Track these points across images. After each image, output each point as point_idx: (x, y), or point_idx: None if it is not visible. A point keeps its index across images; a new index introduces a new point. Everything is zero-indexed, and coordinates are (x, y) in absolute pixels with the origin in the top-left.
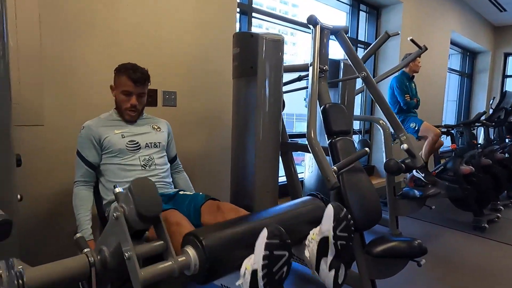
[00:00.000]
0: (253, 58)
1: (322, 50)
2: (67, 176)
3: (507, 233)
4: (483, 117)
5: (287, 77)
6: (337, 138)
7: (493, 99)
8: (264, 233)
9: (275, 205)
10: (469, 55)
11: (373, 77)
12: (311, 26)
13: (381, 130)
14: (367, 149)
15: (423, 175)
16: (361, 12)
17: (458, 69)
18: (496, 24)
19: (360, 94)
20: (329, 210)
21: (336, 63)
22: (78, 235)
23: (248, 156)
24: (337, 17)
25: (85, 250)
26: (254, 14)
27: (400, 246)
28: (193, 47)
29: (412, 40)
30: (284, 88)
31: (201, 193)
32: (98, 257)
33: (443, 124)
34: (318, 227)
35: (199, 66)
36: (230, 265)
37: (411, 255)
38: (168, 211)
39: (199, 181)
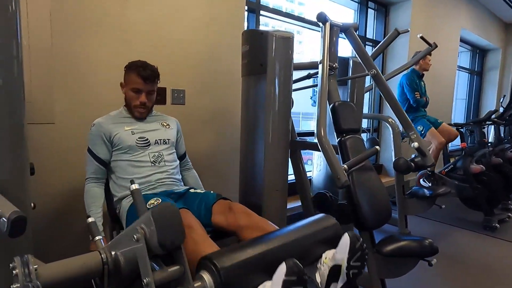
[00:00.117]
0: (263, 55)
1: (331, 48)
2: (78, 174)
3: None
4: (493, 116)
5: (295, 75)
6: (347, 136)
7: (504, 97)
8: (283, 269)
9: (284, 204)
10: (479, 53)
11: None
12: (320, 24)
13: (390, 129)
14: (377, 147)
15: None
16: (369, 10)
17: (468, 67)
18: (507, 21)
19: (368, 92)
20: (345, 239)
21: (345, 60)
22: (90, 219)
23: (257, 154)
24: (345, 15)
25: (97, 237)
26: (261, 12)
27: (411, 245)
28: (201, 45)
29: (422, 38)
30: (293, 86)
31: (212, 192)
32: (112, 255)
33: (452, 123)
34: (331, 252)
35: (208, 64)
36: None
37: (422, 255)
38: (182, 212)
39: (207, 179)
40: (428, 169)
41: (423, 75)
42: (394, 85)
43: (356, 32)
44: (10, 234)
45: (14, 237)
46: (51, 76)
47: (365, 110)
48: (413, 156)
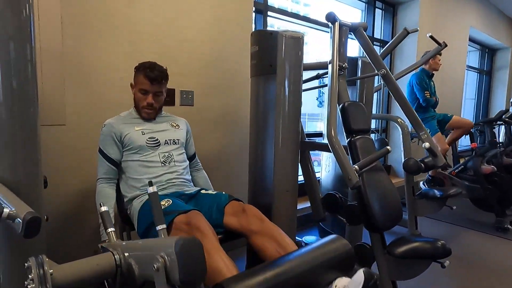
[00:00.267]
0: (272, 56)
1: (340, 48)
2: (89, 175)
3: None
4: (504, 115)
5: (303, 75)
6: (357, 137)
7: None
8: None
9: (294, 205)
10: (488, 52)
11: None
12: (329, 24)
13: (399, 129)
14: (388, 147)
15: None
16: (377, 10)
17: (477, 67)
18: None
19: (376, 92)
20: (359, 276)
21: (354, 60)
22: (103, 208)
23: (267, 155)
24: (352, 15)
25: (109, 229)
26: (269, 13)
27: (423, 246)
28: (210, 46)
29: (431, 37)
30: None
31: (224, 193)
32: (125, 258)
33: None
34: (343, 281)
35: (216, 65)
36: None
37: (435, 256)
38: (191, 214)
39: (216, 180)
40: (429, 172)
41: (433, 75)
42: (403, 85)
43: (365, 31)
44: (25, 234)
45: (29, 238)
46: (62, 78)
47: (374, 110)
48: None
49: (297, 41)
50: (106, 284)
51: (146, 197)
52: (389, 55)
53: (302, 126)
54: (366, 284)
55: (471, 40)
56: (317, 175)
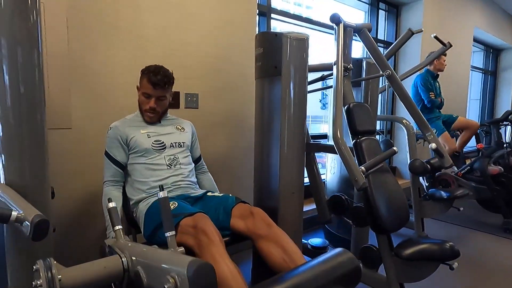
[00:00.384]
0: (277, 57)
1: (345, 49)
2: (95, 178)
3: None
4: (510, 116)
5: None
6: (362, 138)
7: None
8: None
9: (301, 207)
10: (493, 52)
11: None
12: (334, 25)
13: (405, 130)
14: (395, 148)
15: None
16: (380, 11)
17: (481, 67)
18: None
19: (380, 94)
20: None
21: (358, 62)
22: (111, 204)
23: (272, 157)
24: (356, 17)
25: (117, 227)
26: (272, 15)
27: (431, 248)
28: (214, 48)
29: (436, 37)
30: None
31: (230, 195)
32: (132, 262)
33: None
34: None
35: (221, 67)
36: None
37: (443, 258)
38: (197, 217)
39: (222, 182)
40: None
41: (438, 75)
42: (407, 87)
43: (369, 32)
44: (33, 237)
45: (37, 241)
46: (68, 82)
47: (378, 111)
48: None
49: (302, 42)
50: (113, 286)
51: (152, 199)
52: (393, 56)
53: (307, 127)
54: None
55: (476, 40)
56: (322, 177)
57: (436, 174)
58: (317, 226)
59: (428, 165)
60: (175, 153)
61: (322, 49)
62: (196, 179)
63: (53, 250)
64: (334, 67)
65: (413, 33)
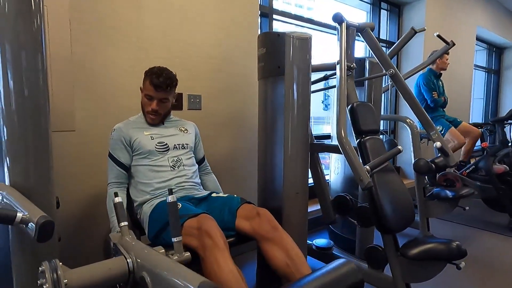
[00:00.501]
0: (280, 57)
1: (348, 48)
2: (99, 180)
3: None
4: None
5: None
6: (366, 138)
7: None
8: None
9: (305, 207)
10: (496, 51)
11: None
12: (337, 24)
13: (409, 129)
14: (400, 147)
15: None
16: (382, 11)
17: (484, 66)
18: None
19: (383, 93)
20: None
21: (361, 61)
22: (117, 199)
23: (276, 158)
24: (357, 17)
25: (122, 223)
26: (274, 16)
27: (437, 247)
28: (216, 50)
29: (439, 36)
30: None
31: (235, 196)
32: (137, 264)
33: (471, 123)
34: None
35: (223, 68)
36: None
37: (450, 258)
38: (202, 218)
39: (225, 183)
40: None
41: (440, 74)
42: (410, 86)
43: (372, 32)
44: (38, 238)
45: (42, 242)
46: (71, 84)
47: (382, 111)
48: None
49: (305, 41)
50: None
51: (156, 201)
52: (395, 56)
53: (310, 127)
54: None
55: (478, 39)
56: (326, 177)
57: (440, 173)
58: (322, 227)
59: (433, 165)
60: (179, 154)
61: (324, 50)
62: (200, 180)
63: (58, 251)
64: (337, 67)
65: (416, 32)
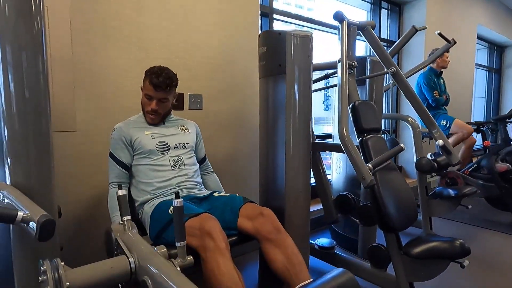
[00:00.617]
0: (281, 56)
1: (349, 47)
2: (100, 180)
3: None
4: None
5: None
6: (368, 136)
7: None
8: None
9: (307, 206)
10: (497, 49)
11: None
12: (337, 23)
13: (410, 128)
14: (402, 145)
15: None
16: (382, 10)
17: (485, 65)
18: None
19: (385, 92)
20: None
21: (362, 60)
22: (120, 192)
23: (278, 157)
24: (358, 17)
25: (125, 217)
26: (275, 16)
27: (441, 246)
28: (217, 49)
29: (440, 34)
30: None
31: (237, 195)
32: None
33: (473, 121)
34: None
35: (224, 68)
36: None
37: (453, 256)
38: (203, 218)
39: (227, 183)
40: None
41: (441, 72)
42: (412, 85)
43: (373, 30)
44: (39, 237)
45: (43, 241)
46: (72, 85)
47: (383, 110)
48: (429, 153)
49: (306, 39)
50: (120, 287)
51: (157, 201)
52: (396, 55)
53: (312, 126)
54: None
55: (479, 37)
56: (328, 177)
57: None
58: (324, 226)
59: (435, 163)
60: (179, 154)
61: (325, 49)
62: (201, 180)
63: (59, 251)
64: (339, 65)
65: (417, 30)
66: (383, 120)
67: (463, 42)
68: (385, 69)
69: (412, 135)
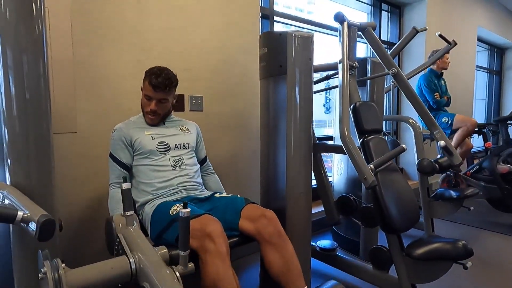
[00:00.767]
0: (282, 56)
1: (350, 47)
2: (101, 181)
3: None
4: None
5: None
6: (369, 137)
7: None
8: None
9: (309, 207)
10: (497, 51)
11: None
12: (338, 24)
13: (412, 130)
14: (404, 145)
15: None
16: (382, 12)
17: (486, 66)
18: None
19: (385, 94)
20: None
21: (363, 61)
22: (125, 185)
23: (279, 158)
24: (358, 19)
25: (128, 213)
26: (275, 18)
27: (443, 247)
28: (218, 51)
29: (440, 35)
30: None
31: (239, 196)
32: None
33: None
34: None
35: (225, 70)
36: None
37: (456, 257)
38: (204, 219)
39: (228, 185)
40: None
41: (442, 73)
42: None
43: (373, 31)
44: (39, 237)
45: (43, 241)
46: (73, 86)
47: (384, 112)
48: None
49: (307, 40)
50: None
51: (158, 201)
52: (397, 56)
53: (313, 128)
54: None
55: (480, 39)
56: (329, 179)
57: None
58: (325, 228)
59: (437, 164)
60: (180, 154)
61: (326, 51)
62: (202, 180)
63: (60, 251)
64: (339, 65)
65: (417, 32)
66: (384, 122)
67: (463, 44)
68: (386, 70)
69: (413, 137)
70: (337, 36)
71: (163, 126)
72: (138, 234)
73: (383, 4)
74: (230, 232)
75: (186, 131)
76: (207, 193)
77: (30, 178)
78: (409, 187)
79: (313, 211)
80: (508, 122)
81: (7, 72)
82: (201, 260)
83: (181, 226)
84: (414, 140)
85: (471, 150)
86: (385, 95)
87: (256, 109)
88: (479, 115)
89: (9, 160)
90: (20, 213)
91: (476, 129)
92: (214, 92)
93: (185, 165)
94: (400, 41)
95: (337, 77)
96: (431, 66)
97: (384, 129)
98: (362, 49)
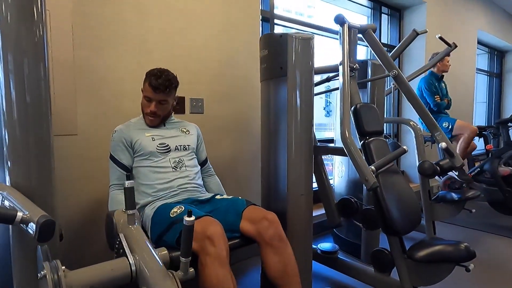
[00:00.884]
0: (283, 58)
1: (350, 49)
2: (101, 183)
3: None
4: None
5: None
6: (370, 139)
7: None
8: None
9: (310, 209)
10: (497, 54)
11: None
12: (338, 26)
13: (412, 132)
14: (405, 147)
15: (457, 173)
16: (383, 15)
17: (486, 69)
18: None
19: (386, 96)
20: None
21: (363, 63)
22: (128, 183)
23: (280, 160)
24: (358, 22)
25: (130, 212)
26: (276, 21)
27: (445, 249)
28: (218, 53)
29: (440, 38)
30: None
31: (240, 197)
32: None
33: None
34: None
35: (225, 72)
36: None
37: (458, 260)
38: (205, 221)
39: (229, 187)
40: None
41: (442, 76)
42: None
43: (374, 33)
44: (38, 238)
45: (43, 242)
46: (74, 88)
47: (384, 114)
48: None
49: (308, 42)
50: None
51: (158, 203)
52: (397, 59)
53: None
54: None
55: (480, 42)
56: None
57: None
58: (327, 231)
59: (438, 167)
60: (180, 155)
61: (326, 54)
62: (202, 182)
63: (60, 252)
64: (340, 67)
65: (418, 34)
66: (385, 125)
67: (463, 47)
68: (387, 72)
69: (414, 139)
70: (337, 38)
71: (164, 128)
72: (140, 235)
73: (383, 7)
74: (231, 234)
75: (187, 132)
76: (208, 195)
77: (30, 179)
78: (411, 189)
79: (314, 213)
80: (509, 124)
81: (7, 75)
82: (201, 262)
83: (184, 234)
84: (415, 142)
85: (472, 153)
86: (385, 97)
87: (257, 111)
88: (480, 118)
89: (9, 162)
90: (19, 214)
91: (477, 132)
92: (214, 94)
93: (185, 166)
94: (400, 43)
95: (338, 79)
96: (432, 69)
97: (384, 132)
98: (363, 52)
